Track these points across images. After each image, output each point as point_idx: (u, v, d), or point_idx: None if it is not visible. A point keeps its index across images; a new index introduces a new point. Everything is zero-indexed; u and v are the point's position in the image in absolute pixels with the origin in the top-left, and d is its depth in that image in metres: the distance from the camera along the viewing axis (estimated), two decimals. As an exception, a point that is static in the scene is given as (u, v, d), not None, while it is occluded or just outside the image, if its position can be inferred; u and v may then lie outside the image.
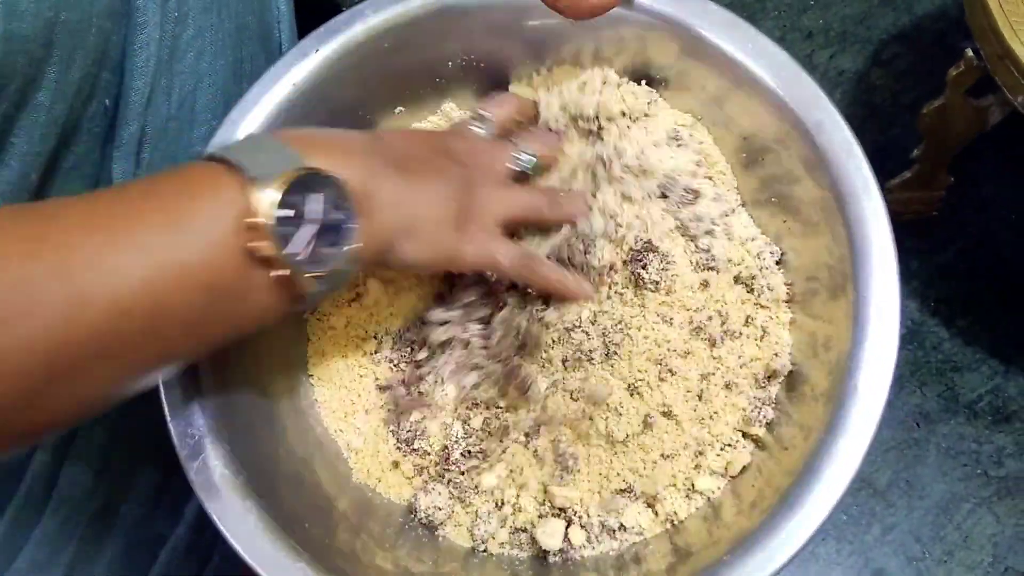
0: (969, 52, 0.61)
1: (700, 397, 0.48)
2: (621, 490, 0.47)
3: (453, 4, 0.53)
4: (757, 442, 0.48)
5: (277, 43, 0.59)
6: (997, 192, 0.77)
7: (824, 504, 0.40)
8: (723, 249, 0.50)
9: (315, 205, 0.38)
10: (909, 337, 0.71)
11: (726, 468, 0.47)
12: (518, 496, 0.48)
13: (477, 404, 0.49)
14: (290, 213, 0.37)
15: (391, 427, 0.50)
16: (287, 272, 0.37)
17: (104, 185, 0.49)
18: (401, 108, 0.57)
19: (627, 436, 0.47)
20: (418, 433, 0.49)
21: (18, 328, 0.32)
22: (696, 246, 0.50)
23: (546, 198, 0.51)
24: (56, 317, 0.33)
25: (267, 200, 0.36)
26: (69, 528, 0.58)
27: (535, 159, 0.51)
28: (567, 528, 0.48)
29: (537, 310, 0.49)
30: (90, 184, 0.48)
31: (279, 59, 0.52)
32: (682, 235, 0.51)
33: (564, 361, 0.48)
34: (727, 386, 0.48)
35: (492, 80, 0.57)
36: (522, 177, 0.51)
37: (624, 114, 0.52)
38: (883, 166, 0.75)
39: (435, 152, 0.47)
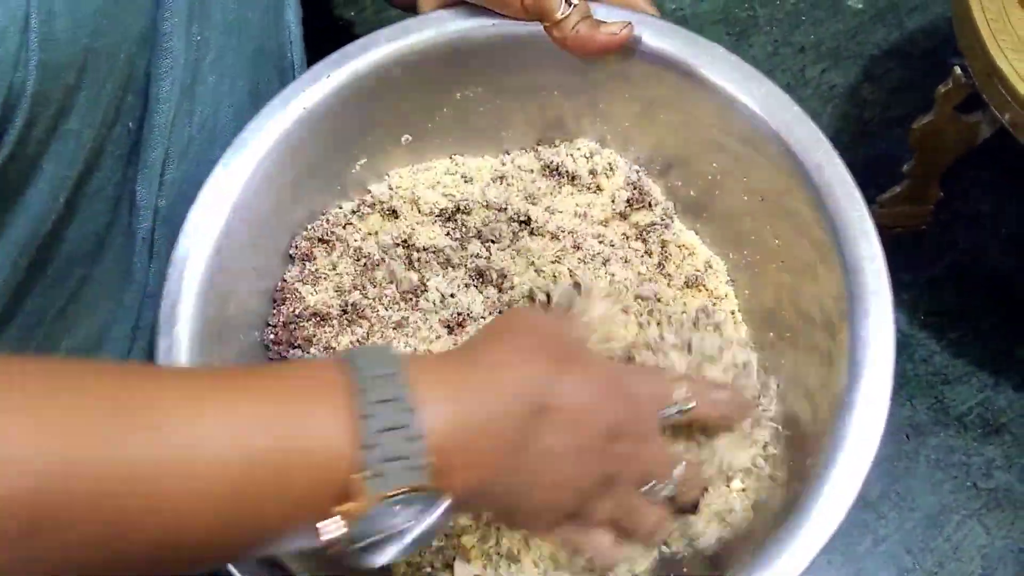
0: (957, 69, 0.61)
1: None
2: None
3: (465, 38, 0.53)
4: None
5: (290, 64, 0.59)
6: (987, 206, 0.78)
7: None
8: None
9: (409, 516, 0.34)
10: (899, 350, 0.71)
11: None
12: None
13: None
14: (382, 522, 0.34)
15: None
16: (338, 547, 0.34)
17: (127, 202, 0.50)
18: (408, 136, 0.57)
19: None
20: None
21: (69, 540, 0.29)
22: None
23: (656, 531, 0.45)
24: (116, 526, 0.30)
25: (367, 503, 0.33)
26: None
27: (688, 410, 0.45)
28: None
29: None
30: (112, 205, 0.49)
31: (292, 82, 0.53)
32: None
33: None
34: None
35: (506, 115, 0.58)
36: None
37: None
38: (874, 180, 0.76)
39: (599, 442, 0.40)
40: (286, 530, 0.34)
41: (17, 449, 0.28)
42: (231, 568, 0.41)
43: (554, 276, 0.55)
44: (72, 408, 0.30)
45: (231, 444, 0.32)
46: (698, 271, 0.56)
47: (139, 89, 0.47)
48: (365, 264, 0.56)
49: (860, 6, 0.87)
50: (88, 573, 0.31)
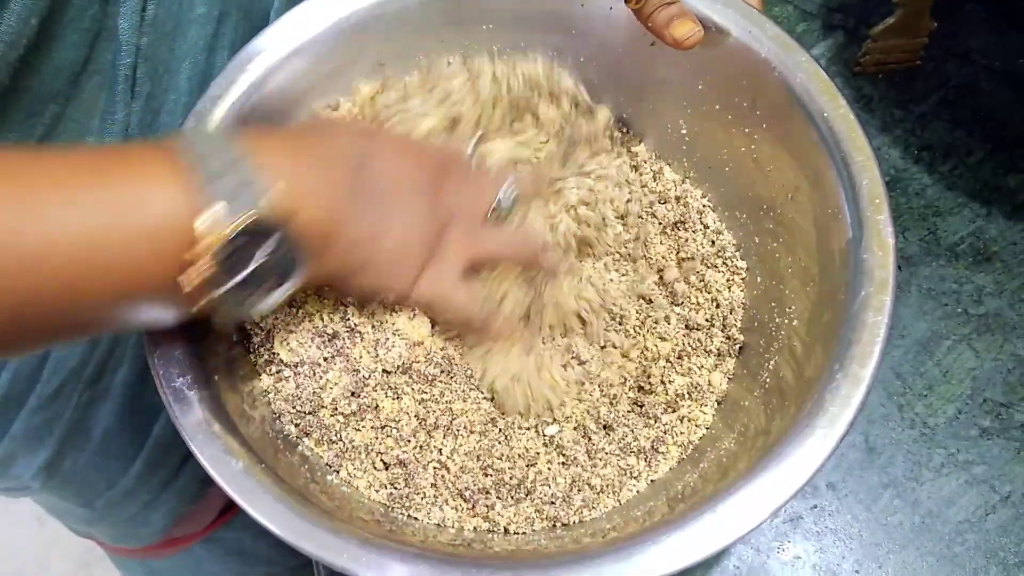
0: None
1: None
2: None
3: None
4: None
5: None
6: (979, 42, 0.77)
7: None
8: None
9: (262, 252, 0.37)
10: (892, 184, 0.72)
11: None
12: None
13: None
14: (231, 250, 0.36)
15: None
16: (206, 304, 0.37)
17: (106, 39, 0.49)
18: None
19: None
20: None
21: None
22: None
23: (515, 246, 0.51)
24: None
25: (215, 233, 0.35)
26: (63, 397, 0.59)
27: (516, 198, 0.51)
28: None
29: None
30: (89, 40, 0.48)
31: None
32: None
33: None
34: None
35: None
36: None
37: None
38: (868, 18, 0.75)
39: (418, 182, 0.46)
40: (141, 293, 0.36)
41: None
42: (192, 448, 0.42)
43: None
44: None
45: (78, 223, 0.34)
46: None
47: None
48: None
49: None
50: None
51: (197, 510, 0.77)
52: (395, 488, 0.48)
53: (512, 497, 0.48)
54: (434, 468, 0.49)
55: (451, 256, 0.47)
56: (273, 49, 0.52)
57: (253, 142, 0.39)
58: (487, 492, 0.48)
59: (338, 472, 0.48)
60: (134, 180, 0.36)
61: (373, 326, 0.49)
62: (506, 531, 0.47)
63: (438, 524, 0.47)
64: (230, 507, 0.80)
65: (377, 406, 0.49)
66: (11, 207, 0.33)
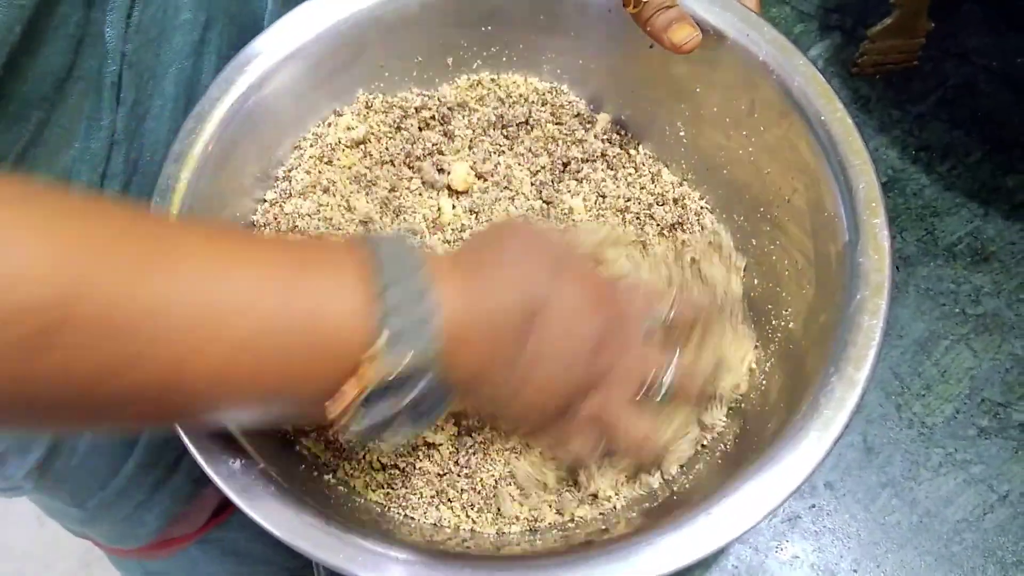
0: None
1: None
2: None
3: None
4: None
5: None
6: (977, 42, 0.77)
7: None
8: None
9: (412, 391, 0.36)
10: (890, 185, 0.72)
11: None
12: None
13: None
14: (388, 391, 0.35)
15: None
16: (343, 424, 0.36)
17: (91, 45, 0.49)
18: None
19: None
20: None
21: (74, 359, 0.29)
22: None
23: (639, 444, 0.46)
24: (127, 356, 0.30)
25: (377, 368, 0.34)
26: None
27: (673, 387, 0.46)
28: None
29: None
30: (74, 46, 0.47)
31: None
32: None
33: None
34: None
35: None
36: None
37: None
38: (866, 19, 0.75)
39: (588, 344, 0.42)
40: (287, 397, 0.35)
41: (35, 261, 0.28)
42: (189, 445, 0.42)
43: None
44: (90, 233, 0.30)
45: (246, 302, 0.32)
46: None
47: None
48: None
49: None
50: (82, 405, 0.31)
51: (191, 510, 0.77)
52: (391, 488, 0.48)
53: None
54: (431, 468, 0.49)
55: (579, 420, 0.44)
56: (272, 51, 0.52)
57: (435, 269, 0.37)
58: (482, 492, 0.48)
59: (335, 472, 0.49)
60: (323, 281, 0.35)
61: None
62: (500, 532, 0.48)
63: (434, 524, 0.47)
64: (224, 507, 0.80)
65: None
66: (208, 271, 0.32)
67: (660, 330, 0.45)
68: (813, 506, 0.62)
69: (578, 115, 0.60)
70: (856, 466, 0.63)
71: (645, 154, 0.61)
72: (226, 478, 0.41)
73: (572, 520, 0.49)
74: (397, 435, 0.37)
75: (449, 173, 0.57)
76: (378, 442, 0.37)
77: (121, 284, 0.30)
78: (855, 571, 0.59)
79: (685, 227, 0.58)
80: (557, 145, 0.59)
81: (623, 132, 0.61)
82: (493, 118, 0.59)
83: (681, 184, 0.60)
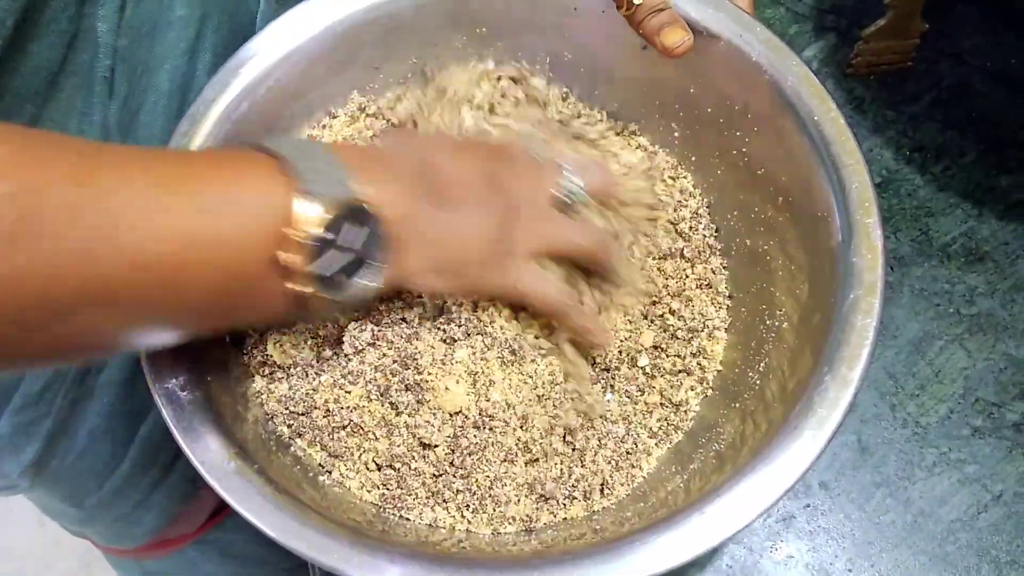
0: None
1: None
2: None
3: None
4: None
5: None
6: (971, 42, 0.77)
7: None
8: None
9: (353, 237, 0.39)
10: (884, 185, 0.72)
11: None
12: None
13: None
14: (328, 237, 0.38)
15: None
16: (303, 290, 0.39)
17: (83, 40, 0.49)
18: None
19: None
20: None
21: (49, 249, 0.32)
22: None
23: (588, 237, 0.50)
24: (86, 246, 0.33)
25: (310, 218, 0.38)
26: (48, 396, 0.59)
27: (584, 191, 0.50)
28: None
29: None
30: (67, 41, 0.48)
31: None
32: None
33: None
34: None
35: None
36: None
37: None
38: (861, 20, 0.75)
39: (482, 179, 0.47)
40: (241, 280, 0.38)
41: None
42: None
43: None
44: (51, 148, 0.34)
45: (186, 218, 0.36)
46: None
47: None
48: None
49: None
50: (68, 288, 0.33)
51: (188, 511, 0.77)
52: (387, 489, 0.48)
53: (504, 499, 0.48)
54: (426, 468, 0.49)
55: (522, 249, 0.47)
56: (266, 53, 0.52)
57: (333, 147, 0.42)
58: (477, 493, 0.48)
59: (330, 473, 0.49)
60: (237, 177, 0.38)
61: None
62: (496, 532, 0.48)
63: (430, 524, 0.47)
64: (221, 508, 0.80)
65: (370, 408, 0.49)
66: (138, 195, 0.35)
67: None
68: (808, 506, 0.62)
69: (579, 116, 0.60)
70: (850, 466, 0.63)
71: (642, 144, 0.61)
72: (222, 480, 0.41)
73: (567, 520, 0.49)
74: (355, 286, 0.40)
75: None
76: (342, 295, 0.40)
77: (72, 180, 0.33)
78: (850, 571, 0.60)
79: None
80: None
81: (621, 129, 0.61)
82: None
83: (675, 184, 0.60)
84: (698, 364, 0.54)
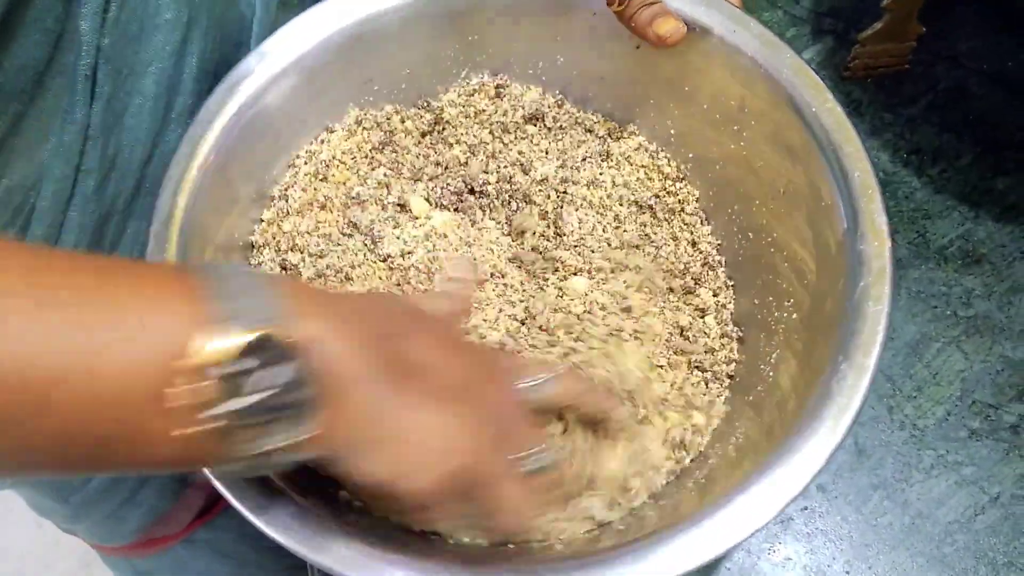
0: None
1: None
2: None
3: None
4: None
5: None
6: (967, 45, 0.77)
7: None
8: None
9: (274, 380, 0.32)
10: (881, 188, 0.72)
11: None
12: None
13: None
14: (233, 369, 0.31)
15: None
16: (198, 431, 0.31)
17: (69, 40, 0.48)
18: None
19: None
20: None
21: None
22: None
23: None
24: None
25: (215, 348, 0.31)
26: None
27: (551, 464, 0.41)
28: None
29: None
30: (53, 40, 0.47)
31: None
32: None
33: None
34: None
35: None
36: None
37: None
38: (858, 23, 0.75)
39: (455, 384, 0.38)
40: (116, 411, 0.31)
41: None
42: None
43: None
44: None
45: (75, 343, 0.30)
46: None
47: None
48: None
49: None
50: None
51: (176, 509, 0.76)
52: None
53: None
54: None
55: (500, 470, 0.39)
56: (261, 70, 0.52)
57: (283, 280, 0.35)
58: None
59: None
60: (133, 294, 0.32)
61: None
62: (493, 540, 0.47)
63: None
64: (209, 507, 0.80)
65: None
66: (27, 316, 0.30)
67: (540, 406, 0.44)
68: (805, 508, 0.62)
69: (577, 122, 0.60)
70: (848, 468, 0.63)
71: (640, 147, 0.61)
72: (221, 477, 0.41)
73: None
74: (273, 437, 0.33)
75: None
76: (253, 453, 0.32)
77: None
78: (847, 573, 0.59)
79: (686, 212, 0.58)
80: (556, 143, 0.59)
81: (617, 130, 0.61)
82: (490, 125, 0.59)
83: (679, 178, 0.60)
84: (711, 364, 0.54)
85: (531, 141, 0.60)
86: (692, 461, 0.50)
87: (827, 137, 0.47)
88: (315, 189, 0.57)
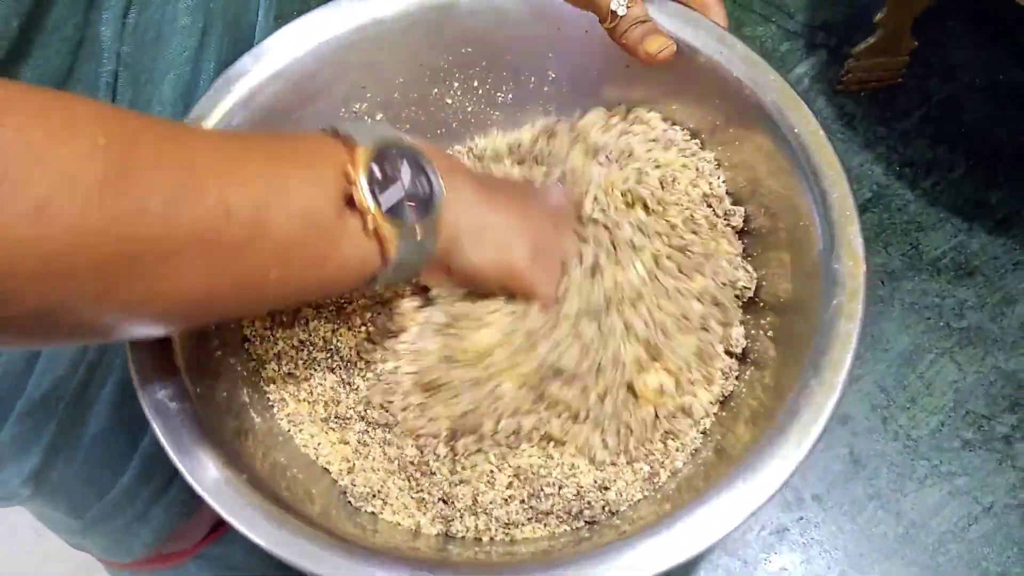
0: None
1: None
2: None
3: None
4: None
5: None
6: (960, 58, 0.78)
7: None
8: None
9: (405, 170, 0.41)
10: (875, 200, 0.73)
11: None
12: None
13: None
14: (383, 170, 0.40)
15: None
16: (379, 226, 0.39)
17: (89, 48, 0.50)
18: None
19: None
20: None
21: (139, 198, 0.32)
22: None
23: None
24: (174, 195, 0.33)
25: (364, 156, 0.39)
26: (51, 404, 0.59)
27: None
28: None
29: None
30: (73, 48, 0.48)
31: None
32: None
33: None
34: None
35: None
36: None
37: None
38: (851, 37, 0.76)
39: (521, 197, 0.52)
40: (318, 220, 0.39)
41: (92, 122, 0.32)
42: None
43: None
44: (134, 114, 0.35)
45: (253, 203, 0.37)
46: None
47: None
48: None
49: None
50: (155, 239, 0.33)
51: (188, 526, 0.77)
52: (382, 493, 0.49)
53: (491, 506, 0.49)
54: (418, 476, 0.50)
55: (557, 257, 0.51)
56: (256, 71, 0.53)
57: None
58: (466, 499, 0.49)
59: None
60: (296, 139, 0.42)
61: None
62: (479, 540, 0.48)
63: (414, 531, 0.48)
64: (222, 523, 0.81)
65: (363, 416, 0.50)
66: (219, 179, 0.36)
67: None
68: (800, 518, 0.62)
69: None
70: (842, 478, 0.63)
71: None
72: (211, 490, 0.42)
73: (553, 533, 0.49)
74: (419, 223, 0.41)
75: None
76: (413, 231, 0.41)
77: (157, 136, 0.34)
78: (841, 582, 0.60)
79: None
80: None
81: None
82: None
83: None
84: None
85: None
86: (668, 477, 0.51)
87: (808, 159, 0.48)
88: None
